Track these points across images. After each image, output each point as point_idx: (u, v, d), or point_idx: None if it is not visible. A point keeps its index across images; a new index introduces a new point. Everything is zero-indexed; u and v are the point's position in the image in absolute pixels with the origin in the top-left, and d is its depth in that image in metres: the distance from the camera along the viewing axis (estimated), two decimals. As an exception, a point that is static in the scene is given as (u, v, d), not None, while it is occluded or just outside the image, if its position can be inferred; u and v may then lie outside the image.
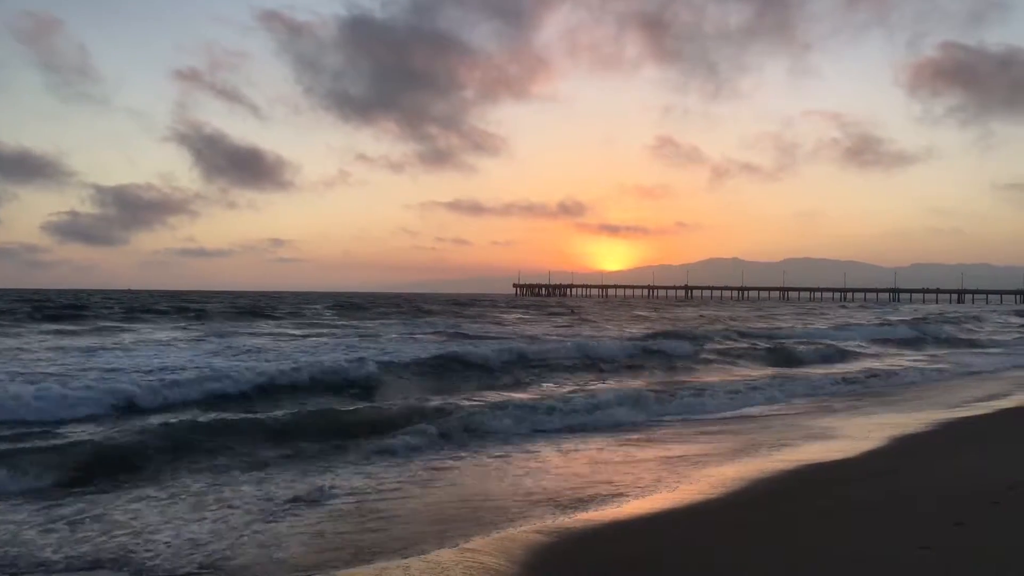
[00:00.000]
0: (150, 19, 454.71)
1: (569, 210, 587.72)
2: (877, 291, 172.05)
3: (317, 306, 63.74)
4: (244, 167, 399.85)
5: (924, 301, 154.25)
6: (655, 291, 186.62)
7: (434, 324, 38.37)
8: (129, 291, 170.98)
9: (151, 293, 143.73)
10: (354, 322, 41.30)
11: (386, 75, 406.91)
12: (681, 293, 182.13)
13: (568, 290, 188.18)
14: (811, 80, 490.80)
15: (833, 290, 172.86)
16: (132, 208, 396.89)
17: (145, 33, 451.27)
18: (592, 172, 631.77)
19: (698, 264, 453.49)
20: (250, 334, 30.05)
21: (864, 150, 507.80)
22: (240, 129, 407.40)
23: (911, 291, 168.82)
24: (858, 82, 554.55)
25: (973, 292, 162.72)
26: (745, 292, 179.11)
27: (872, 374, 19.82)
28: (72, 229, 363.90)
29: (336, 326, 36.94)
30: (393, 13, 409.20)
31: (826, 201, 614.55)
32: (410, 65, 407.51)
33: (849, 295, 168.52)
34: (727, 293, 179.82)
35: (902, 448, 9.79)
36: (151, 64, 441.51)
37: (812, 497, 7.20)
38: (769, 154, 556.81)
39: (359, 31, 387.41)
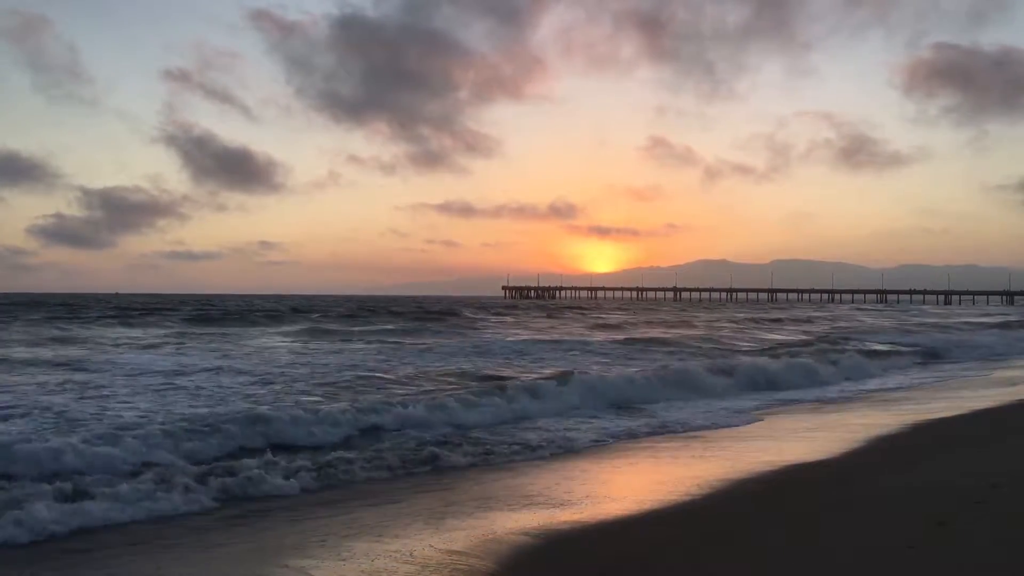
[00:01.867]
0: (139, 18, 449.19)
1: (560, 212, 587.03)
2: (865, 292, 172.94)
3: (340, 309, 63.11)
4: (234, 169, 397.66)
5: (911, 302, 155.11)
6: (644, 293, 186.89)
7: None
8: (117, 294, 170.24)
9: (145, 296, 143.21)
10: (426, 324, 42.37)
11: (378, 75, 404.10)
12: (670, 295, 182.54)
13: (557, 292, 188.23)
14: (806, 80, 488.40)
15: (821, 291, 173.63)
16: (120, 211, 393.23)
17: (134, 33, 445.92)
18: (583, 174, 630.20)
19: (687, 266, 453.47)
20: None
21: (857, 151, 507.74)
22: (230, 130, 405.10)
23: (898, 292, 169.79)
24: (853, 82, 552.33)
25: (960, 293, 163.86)
26: (734, 294, 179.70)
27: None
28: (59, 232, 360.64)
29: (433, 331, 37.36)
30: (385, 11, 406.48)
31: (817, 202, 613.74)
32: (403, 65, 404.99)
33: (837, 296, 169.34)
34: (715, 295, 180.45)
35: None
36: (140, 64, 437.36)
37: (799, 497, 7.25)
38: (762, 155, 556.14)
39: (351, 30, 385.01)
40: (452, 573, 5.27)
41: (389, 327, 39.47)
